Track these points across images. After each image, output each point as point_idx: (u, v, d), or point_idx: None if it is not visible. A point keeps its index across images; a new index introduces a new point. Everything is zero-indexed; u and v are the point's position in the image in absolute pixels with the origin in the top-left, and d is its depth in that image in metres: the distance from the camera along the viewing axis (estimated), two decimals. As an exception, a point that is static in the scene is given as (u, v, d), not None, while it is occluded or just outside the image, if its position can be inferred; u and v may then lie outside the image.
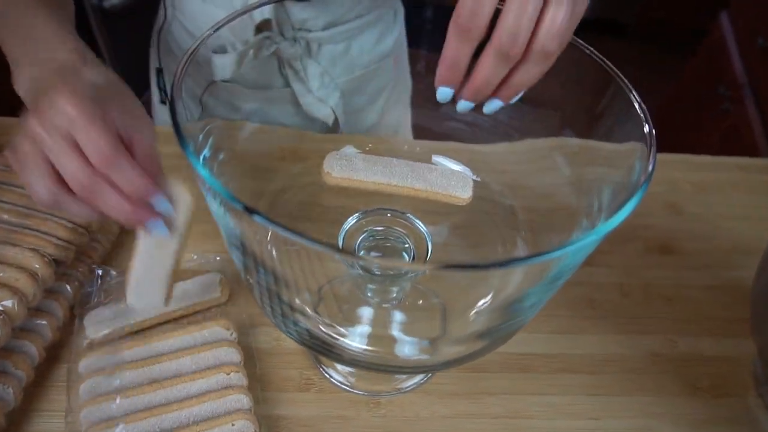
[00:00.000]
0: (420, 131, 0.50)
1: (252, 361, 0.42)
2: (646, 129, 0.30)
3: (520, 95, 0.32)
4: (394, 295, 0.39)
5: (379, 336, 0.37)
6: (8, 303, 0.36)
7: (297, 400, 0.40)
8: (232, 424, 0.36)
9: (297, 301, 0.34)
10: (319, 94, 0.56)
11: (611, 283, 0.51)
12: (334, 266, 0.40)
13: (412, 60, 0.61)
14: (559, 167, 0.41)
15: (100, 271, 0.44)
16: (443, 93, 0.32)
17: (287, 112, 0.59)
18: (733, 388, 0.44)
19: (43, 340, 0.39)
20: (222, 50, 0.48)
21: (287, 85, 0.56)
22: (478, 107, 0.33)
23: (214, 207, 0.29)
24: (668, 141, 1.59)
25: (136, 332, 0.42)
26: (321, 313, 0.36)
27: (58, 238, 0.41)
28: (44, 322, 0.40)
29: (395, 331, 0.38)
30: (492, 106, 0.33)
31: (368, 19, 0.57)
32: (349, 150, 0.46)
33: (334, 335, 0.34)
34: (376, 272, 0.38)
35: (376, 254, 0.41)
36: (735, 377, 0.45)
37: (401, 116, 0.62)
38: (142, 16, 0.76)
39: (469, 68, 0.31)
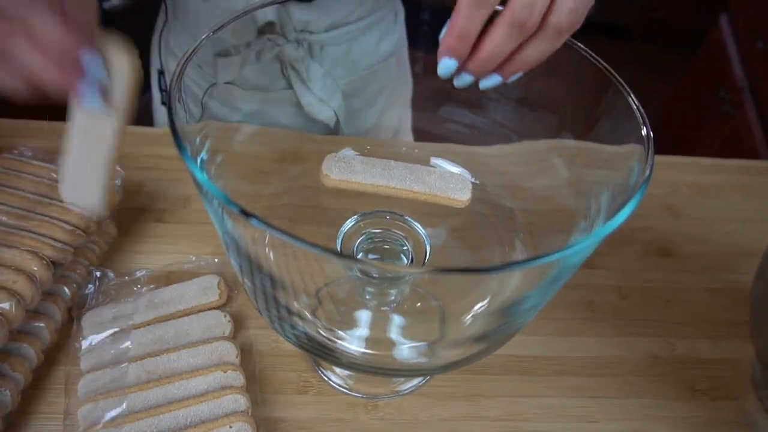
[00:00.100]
0: (418, 133, 0.50)
1: (251, 362, 0.42)
2: (644, 132, 0.30)
3: (520, 74, 0.31)
4: (393, 297, 0.39)
5: (378, 339, 0.37)
6: (6, 305, 0.36)
7: (295, 403, 0.40)
8: (230, 426, 0.36)
9: (294, 304, 0.34)
10: (321, 96, 0.56)
11: (610, 285, 0.50)
12: (331, 269, 0.40)
13: (410, 62, 0.61)
14: (557, 169, 0.41)
15: (98, 273, 0.44)
16: (447, 65, 0.30)
17: (289, 113, 0.59)
18: (731, 391, 0.44)
19: (41, 342, 0.39)
20: (224, 52, 0.48)
21: (289, 86, 0.57)
22: (475, 83, 0.32)
23: (212, 210, 0.29)
24: (669, 142, 1.60)
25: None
26: (319, 317, 0.36)
27: (56, 240, 0.41)
28: (42, 324, 0.39)
29: (394, 335, 0.38)
30: (491, 81, 0.31)
31: (370, 21, 0.57)
32: (348, 152, 0.46)
33: (332, 338, 0.34)
34: (375, 275, 0.38)
35: (375, 256, 0.41)
36: (734, 380, 0.45)
37: (402, 117, 0.62)
38: (143, 18, 0.76)
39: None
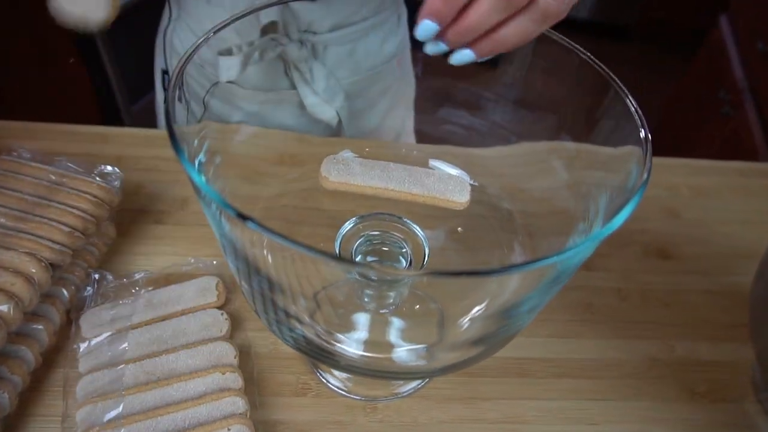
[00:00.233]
0: (417, 135, 0.50)
1: (249, 365, 0.41)
2: (642, 134, 0.30)
3: (492, 55, 0.31)
4: (391, 300, 0.39)
5: (376, 342, 0.37)
6: (4, 307, 0.36)
7: (294, 405, 0.40)
8: (228, 429, 0.36)
9: (293, 307, 0.34)
10: (324, 96, 0.56)
11: (609, 287, 0.50)
12: (330, 272, 0.40)
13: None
14: (556, 171, 0.40)
15: (96, 275, 0.44)
16: (428, 27, 0.29)
17: (291, 114, 0.59)
18: (731, 393, 0.44)
19: (39, 344, 0.39)
20: (227, 52, 0.48)
21: (292, 87, 0.57)
22: (445, 56, 0.31)
23: (209, 212, 0.28)
24: (669, 142, 1.60)
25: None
26: (317, 320, 0.36)
27: (55, 242, 0.40)
28: (41, 326, 0.39)
29: (392, 337, 0.38)
30: (463, 57, 0.31)
31: (373, 22, 0.58)
32: (347, 154, 0.45)
33: (331, 341, 0.34)
34: (373, 277, 0.38)
35: (373, 258, 0.41)
36: (733, 382, 0.45)
37: (404, 118, 0.62)
38: (147, 17, 0.76)
39: None
